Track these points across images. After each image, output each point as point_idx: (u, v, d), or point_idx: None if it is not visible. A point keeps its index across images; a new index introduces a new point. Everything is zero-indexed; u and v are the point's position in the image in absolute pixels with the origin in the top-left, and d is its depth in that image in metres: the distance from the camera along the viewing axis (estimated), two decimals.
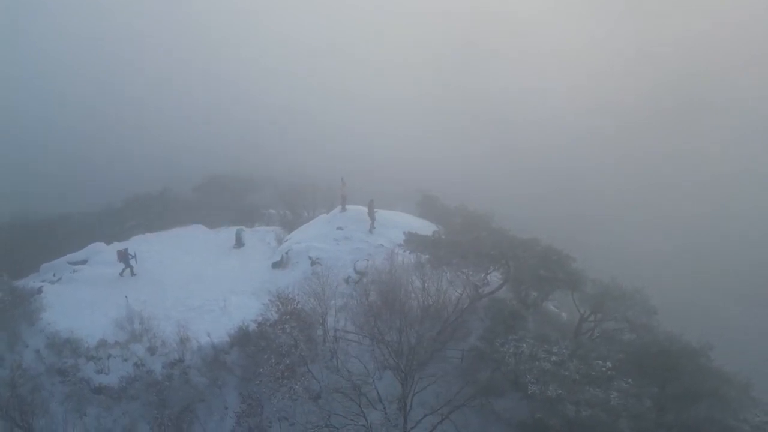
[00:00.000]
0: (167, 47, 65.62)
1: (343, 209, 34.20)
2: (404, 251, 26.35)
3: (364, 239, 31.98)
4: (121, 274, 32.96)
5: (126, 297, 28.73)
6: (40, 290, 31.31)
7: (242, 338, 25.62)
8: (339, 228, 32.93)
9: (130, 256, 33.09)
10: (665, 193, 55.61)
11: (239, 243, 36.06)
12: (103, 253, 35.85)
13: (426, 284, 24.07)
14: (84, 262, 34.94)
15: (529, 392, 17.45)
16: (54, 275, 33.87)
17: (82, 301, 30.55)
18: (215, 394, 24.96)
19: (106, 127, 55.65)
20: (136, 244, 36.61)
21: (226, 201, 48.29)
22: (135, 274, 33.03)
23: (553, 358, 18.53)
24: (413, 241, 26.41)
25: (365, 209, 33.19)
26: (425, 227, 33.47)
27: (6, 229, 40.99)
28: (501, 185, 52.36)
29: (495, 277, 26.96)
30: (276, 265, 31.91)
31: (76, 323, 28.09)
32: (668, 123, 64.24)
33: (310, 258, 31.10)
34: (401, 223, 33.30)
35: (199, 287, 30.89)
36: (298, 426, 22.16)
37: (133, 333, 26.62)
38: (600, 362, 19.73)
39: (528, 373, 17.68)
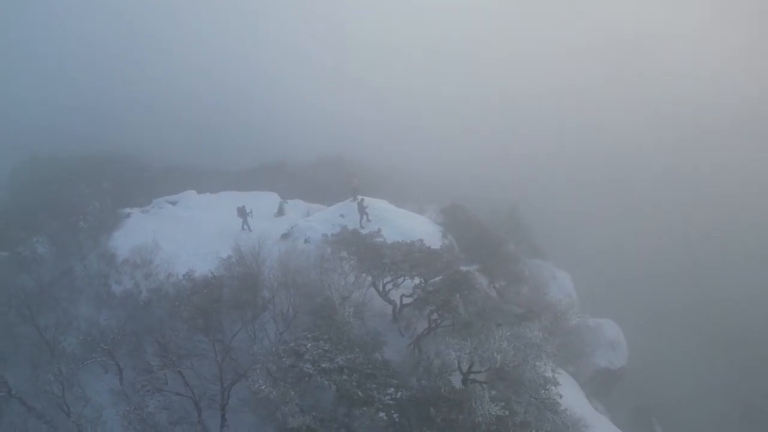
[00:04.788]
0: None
1: (354, 200, 36.03)
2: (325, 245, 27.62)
3: (357, 229, 33.49)
4: (242, 228, 36.75)
5: (153, 231, 35.62)
6: (128, 216, 40.66)
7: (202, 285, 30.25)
8: (341, 215, 35.14)
9: (247, 213, 36.82)
10: None
11: (280, 212, 40.65)
12: (190, 199, 44.15)
13: (327, 280, 25.30)
14: (174, 202, 43.47)
15: (256, 386, 18.14)
16: (151, 208, 43.01)
17: (148, 230, 38.30)
18: (167, 325, 30.05)
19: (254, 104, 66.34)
20: (216, 197, 44.13)
21: (329, 179, 53.51)
22: (251, 231, 35.95)
23: (324, 364, 18.62)
24: (339, 235, 27.42)
25: (374, 202, 34.74)
26: (429, 233, 33.62)
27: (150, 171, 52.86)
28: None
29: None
30: (284, 237, 35.61)
31: (125, 243, 36.11)
32: None
33: (305, 236, 34.09)
34: (401, 223, 34.02)
35: (218, 240, 36.25)
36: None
37: (141, 260, 33.33)
38: (392, 389, 19.07)
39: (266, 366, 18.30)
